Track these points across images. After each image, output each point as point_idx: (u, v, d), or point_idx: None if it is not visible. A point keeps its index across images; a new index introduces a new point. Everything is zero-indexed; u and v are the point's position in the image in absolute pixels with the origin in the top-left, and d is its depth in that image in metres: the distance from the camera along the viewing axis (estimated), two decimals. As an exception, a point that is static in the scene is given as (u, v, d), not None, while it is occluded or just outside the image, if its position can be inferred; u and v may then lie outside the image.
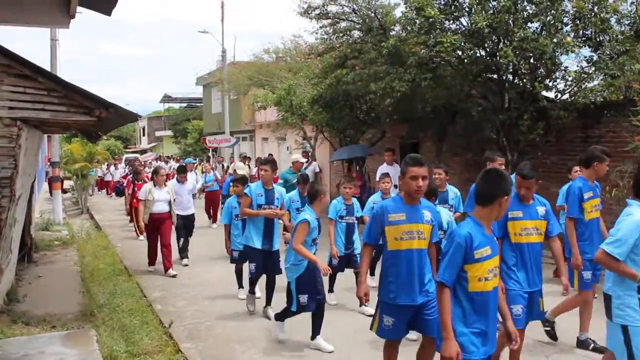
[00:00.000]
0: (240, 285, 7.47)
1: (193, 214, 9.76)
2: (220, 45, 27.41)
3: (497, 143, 9.85)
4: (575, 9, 8.80)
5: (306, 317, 5.47)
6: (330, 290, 6.92)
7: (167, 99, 50.37)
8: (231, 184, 10.15)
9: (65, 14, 6.30)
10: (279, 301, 6.71)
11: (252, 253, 6.48)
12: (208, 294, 7.63)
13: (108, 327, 5.93)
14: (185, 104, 49.72)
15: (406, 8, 9.94)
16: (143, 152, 45.32)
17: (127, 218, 14.86)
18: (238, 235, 7.33)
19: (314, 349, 5.41)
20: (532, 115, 9.42)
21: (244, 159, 17.85)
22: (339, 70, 12.79)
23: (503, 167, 5.99)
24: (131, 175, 14.35)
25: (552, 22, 8.89)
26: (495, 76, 9.95)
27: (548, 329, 5.50)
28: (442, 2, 9.49)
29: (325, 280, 6.68)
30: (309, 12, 12.88)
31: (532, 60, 9.27)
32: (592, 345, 5.26)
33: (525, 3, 9.12)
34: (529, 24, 9.21)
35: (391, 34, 11.67)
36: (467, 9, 9.38)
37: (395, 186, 9.08)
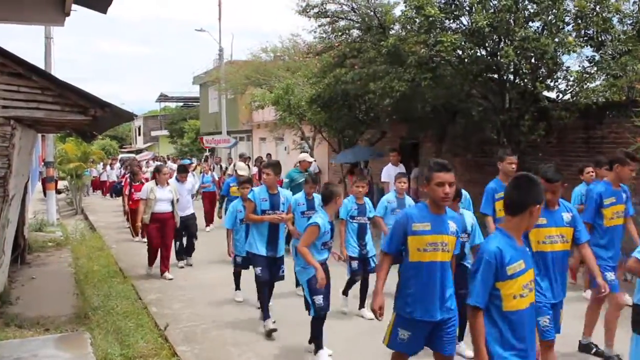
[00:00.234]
0: (238, 287, 7.38)
1: (193, 214, 9.63)
2: (217, 44, 27.33)
3: (497, 143, 9.77)
4: (577, 8, 8.72)
5: (305, 320, 5.35)
6: (344, 294, 6.69)
7: (163, 98, 50.12)
8: (231, 184, 10.06)
9: (60, 11, 6.28)
10: (278, 305, 6.66)
11: (256, 260, 6.22)
12: (204, 297, 7.53)
13: (102, 330, 5.86)
14: (181, 103, 49.50)
15: (406, 7, 9.82)
16: (139, 151, 45.11)
17: (124, 219, 14.73)
18: (240, 240, 7.16)
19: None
20: (533, 115, 9.35)
21: (244, 159, 17.72)
22: (337, 70, 12.67)
23: (514, 166, 5.71)
24: (129, 175, 14.21)
25: (554, 21, 8.82)
26: (495, 76, 9.87)
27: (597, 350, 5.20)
28: (442, 1, 9.40)
29: (342, 284, 6.58)
30: (308, 10, 12.79)
31: (533, 60, 9.19)
32: (595, 349, 5.17)
33: (527, 2, 9.04)
34: (530, 23, 9.14)
35: (391, 33, 11.59)
36: (467, 8, 9.29)
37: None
